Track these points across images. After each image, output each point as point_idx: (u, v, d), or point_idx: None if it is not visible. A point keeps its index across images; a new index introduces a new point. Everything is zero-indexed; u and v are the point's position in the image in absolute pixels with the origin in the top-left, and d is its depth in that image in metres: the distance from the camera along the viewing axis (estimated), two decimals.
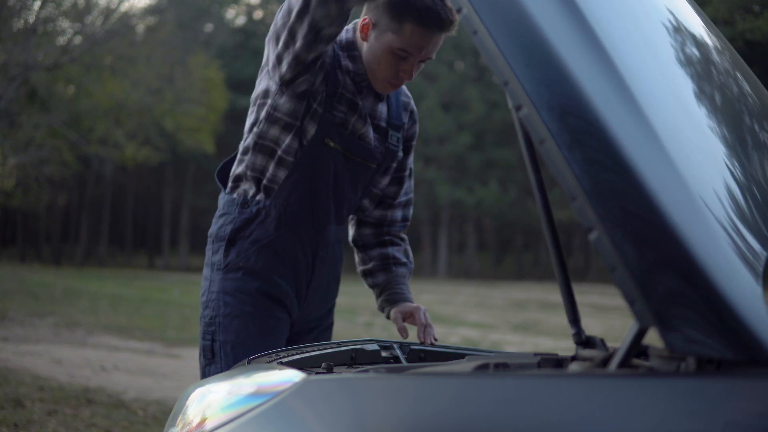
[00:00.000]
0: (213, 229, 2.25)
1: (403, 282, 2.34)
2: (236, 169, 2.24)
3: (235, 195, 2.22)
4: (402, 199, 2.39)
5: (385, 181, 2.33)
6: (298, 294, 2.23)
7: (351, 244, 2.45)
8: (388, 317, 2.30)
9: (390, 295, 2.31)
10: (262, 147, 2.16)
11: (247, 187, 2.20)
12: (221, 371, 2.08)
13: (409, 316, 2.23)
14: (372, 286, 2.36)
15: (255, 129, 2.18)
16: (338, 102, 2.13)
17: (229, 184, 2.25)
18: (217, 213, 2.27)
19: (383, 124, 2.24)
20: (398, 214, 2.39)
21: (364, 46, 2.12)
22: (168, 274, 27.17)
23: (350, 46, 2.15)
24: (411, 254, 2.44)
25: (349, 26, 2.16)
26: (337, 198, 2.23)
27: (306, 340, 2.32)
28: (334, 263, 2.33)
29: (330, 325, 2.40)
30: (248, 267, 2.17)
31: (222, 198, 2.27)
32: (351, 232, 2.42)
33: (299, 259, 2.21)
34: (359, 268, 2.40)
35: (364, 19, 2.09)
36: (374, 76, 2.13)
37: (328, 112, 2.12)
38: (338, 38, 2.13)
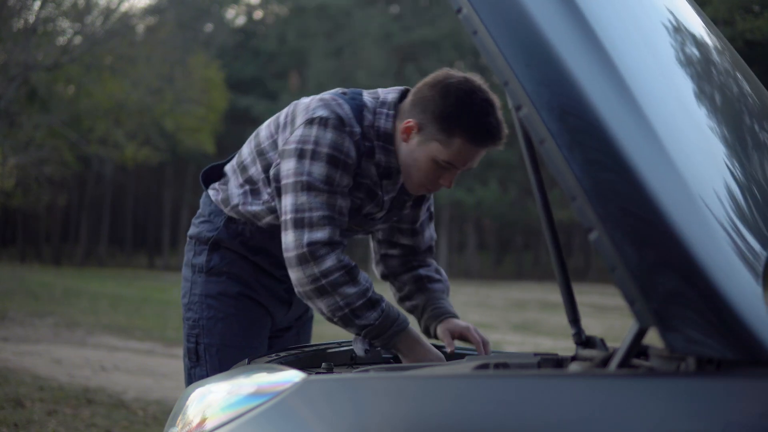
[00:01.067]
0: (194, 231, 2.21)
1: (443, 297, 2.21)
2: (231, 190, 2.14)
3: (220, 197, 2.16)
4: (426, 245, 2.28)
5: (400, 234, 2.25)
6: (281, 301, 2.22)
7: (381, 279, 2.35)
8: (435, 336, 2.15)
9: (433, 311, 2.17)
10: (267, 205, 2.07)
11: (236, 216, 2.14)
12: (207, 374, 2.07)
13: (459, 336, 2.10)
14: (411, 310, 2.24)
15: (260, 182, 2.07)
16: (357, 189, 2.02)
17: (219, 197, 2.16)
18: (200, 216, 2.21)
19: (403, 196, 2.15)
20: (422, 247, 2.28)
21: (403, 146, 1.98)
22: (168, 274, 27.16)
23: (388, 138, 2.00)
24: (443, 272, 2.32)
25: (390, 112, 2.00)
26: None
27: (286, 336, 2.31)
28: None
29: (311, 318, 2.39)
30: (232, 272, 2.15)
31: (206, 202, 2.21)
32: (378, 270, 2.32)
33: (281, 275, 2.18)
34: (396, 298, 2.29)
35: (408, 122, 1.94)
36: (410, 178, 2.00)
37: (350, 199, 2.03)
38: (376, 124, 1.99)
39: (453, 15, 26.02)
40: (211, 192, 2.20)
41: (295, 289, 1.93)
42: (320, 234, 1.87)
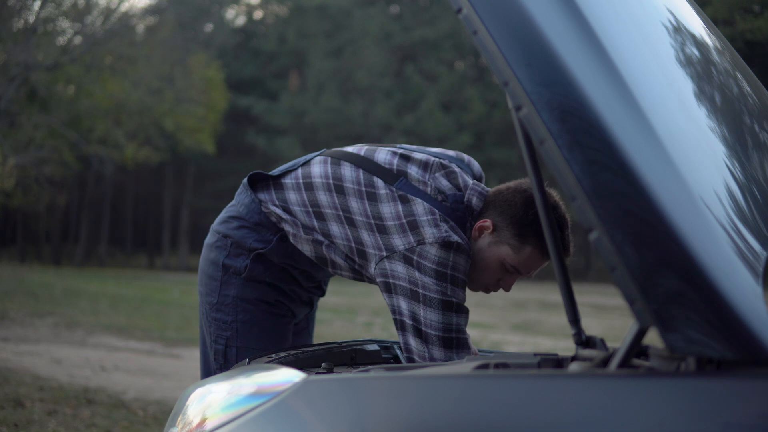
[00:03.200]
0: (232, 233, 2.14)
1: None
2: (301, 226, 2.07)
3: (275, 223, 2.11)
4: None
5: None
6: (305, 303, 2.26)
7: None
8: None
9: None
10: (349, 264, 2.08)
11: (304, 248, 2.10)
12: None
13: None
14: None
15: (340, 246, 2.05)
16: None
17: (287, 217, 2.08)
18: (241, 220, 2.14)
19: None
20: None
21: (472, 242, 2.01)
22: (168, 274, 27.16)
23: (471, 212, 2.03)
24: None
25: (473, 223, 2.03)
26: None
27: (299, 328, 2.33)
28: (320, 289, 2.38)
29: (314, 310, 2.40)
30: (272, 282, 2.14)
31: (252, 209, 2.12)
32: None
33: (309, 286, 2.23)
34: None
35: (485, 221, 1.99)
36: (474, 277, 2.04)
37: None
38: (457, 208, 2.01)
39: (453, 15, 25.99)
40: (274, 208, 2.09)
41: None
42: (466, 353, 1.94)
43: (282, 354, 1.90)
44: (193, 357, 7.93)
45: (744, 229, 1.24)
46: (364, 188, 2.02)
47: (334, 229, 2.04)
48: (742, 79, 1.69)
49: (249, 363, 1.86)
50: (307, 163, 2.13)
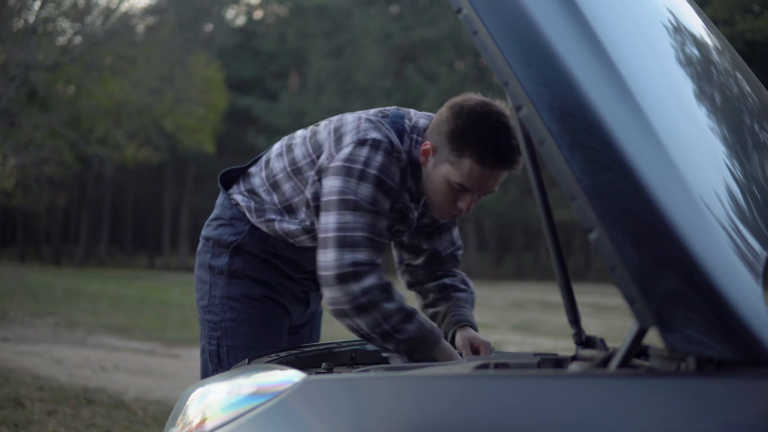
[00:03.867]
0: (212, 234, 2.19)
1: (465, 306, 2.19)
2: (264, 204, 2.11)
3: (252, 205, 2.14)
4: (448, 251, 2.24)
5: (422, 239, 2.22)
6: (299, 301, 2.24)
7: (407, 289, 2.33)
8: (452, 342, 2.13)
9: (453, 317, 2.15)
10: (303, 224, 2.07)
11: (265, 229, 2.13)
12: None
13: (475, 350, 2.08)
14: (433, 317, 2.22)
15: (295, 201, 2.06)
16: (391, 211, 2.01)
17: (250, 205, 2.13)
18: (218, 219, 2.19)
19: (426, 210, 2.13)
20: (442, 251, 2.24)
21: (423, 170, 1.97)
22: (168, 274, 27.16)
23: (416, 167, 1.98)
24: (471, 283, 2.28)
25: (420, 138, 1.98)
26: None
27: (302, 332, 2.33)
28: None
29: (320, 313, 2.40)
30: (254, 275, 2.15)
31: (225, 205, 2.18)
32: (404, 279, 2.30)
33: (300, 278, 2.21)
34: (420, 306, 2.25)
35: (425, 144, 1.93)
36: (431, 203, 1.99)
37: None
38: (410, 151, 1.97)
39: (453, 15, 25.99)
40: (238, 197, 2.15)
41: (330, 308, 1.91)
42: (363, 255, 1.86)
43: (282, 354, 1.90)
44: (193, 357, 7.93)
45: (744, 229, 1.24)
46: (308, 134, 2.06)
47: (287, 188, 2.06)
48: (742, 79, 1.69)
49: (249, 363, 1.86)
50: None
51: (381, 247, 1.90)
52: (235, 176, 2.22)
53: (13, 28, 17.40)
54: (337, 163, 1.90)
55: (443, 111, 1.94)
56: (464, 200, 1.94)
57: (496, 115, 1.87)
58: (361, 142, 1.89)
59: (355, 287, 1.84)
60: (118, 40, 19.09)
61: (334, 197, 1.88)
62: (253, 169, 2.18)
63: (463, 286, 2.24)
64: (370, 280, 1.85)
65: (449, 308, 2.18)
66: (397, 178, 1.94)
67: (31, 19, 17.95)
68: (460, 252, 2.28)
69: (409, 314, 1.88)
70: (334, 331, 4.33)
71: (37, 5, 18.06)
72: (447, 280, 2.23)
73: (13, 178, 16.41)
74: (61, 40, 19.95)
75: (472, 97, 1.93)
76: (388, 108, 2.04)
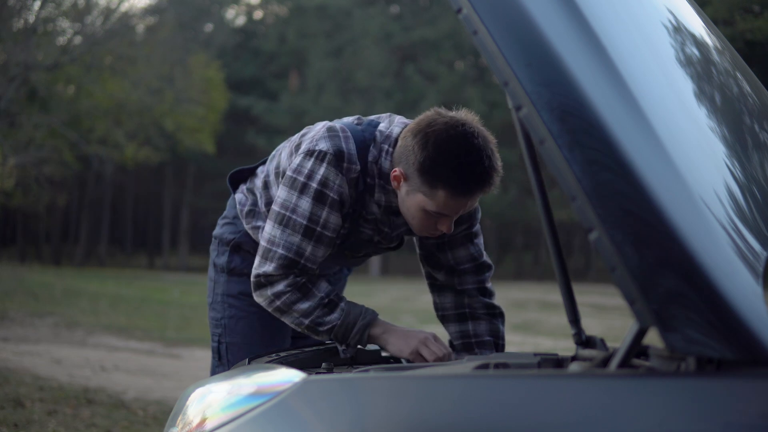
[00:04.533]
0: (217, 232, 2.25)
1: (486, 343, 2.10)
2: (250, 203, 2.15)
3: (245, 209, 2.17)
4: (466, 266, 2.13)
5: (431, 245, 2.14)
6: None
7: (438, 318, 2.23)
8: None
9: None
10: None
11: (259, 218, 2.16)
12: None
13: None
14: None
15: None
16: (365, 222, 2.00)
17: (244, 199, 2.18)
18: (225, 218, 2.25)
19: None
20: (468, 279, 2.14)
21: (398, 192, 1.90)
22: (168, 274, 27.15)
23: (387, 179, 1.92)
24: (501, 329, 2.14)
25: (391, 149, 1.91)
26: (350, 263, 2.25)
27: (307, 337, 2.33)
28: (341, 274, 2.37)
29: None
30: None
31: (231, 204, 2.24)
32: (434, 303, 2.20)
33: None
34: (447, 340, 2.16)
35: (395, 171, 1.86)
36: (411, 225, 1.93)
37: (354, 231, 2.00)
38: (379, 162, 1.91)
39: (453, 15, 25.97)
40: (239, 196, 2.20)
41: None
42: (274, 269, 1.89)
43: (282, 354, 1.90)
44: (193, 357, 7.94)
45: (744, 229, 1.24)
46: (292, 142, 2.06)
47: (274, 191, 2.07)
48: (742, 79, 1.69)
49: (249, 363, 1.86)
50: None
51: (301, 268, 1.89)
52: (244, 176, 2.25)
53: (13, 28, 17.39)
54: (287, 173, 1.92)
55: (408, 137, 1.84)
56: (443, 223, 1.88)
57: (463, 139, 1.77)
58: (308, 153, 1.89)
59: (268, 292, 1.91)
60: (118, 40, 19.08)
61: (275, 208, 1.92)
62: (259, 169, 2.20)
63: (487, 337, 2.11)
64: (279, 286, 1.89)
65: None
66: (345, 191, 1.90)
67: (31, 19, 17.95)
68: (486, 272, 2.15)
69: (330, 305, 1.90)
70: None
71: (37, 5, 18.06)
72: (471, 326, 2.11)
73: (13, 178, 16.40)
74: (61, 40, 19.94)
75: (437, 119, 1.81)
76: (378, 115, 2.02)
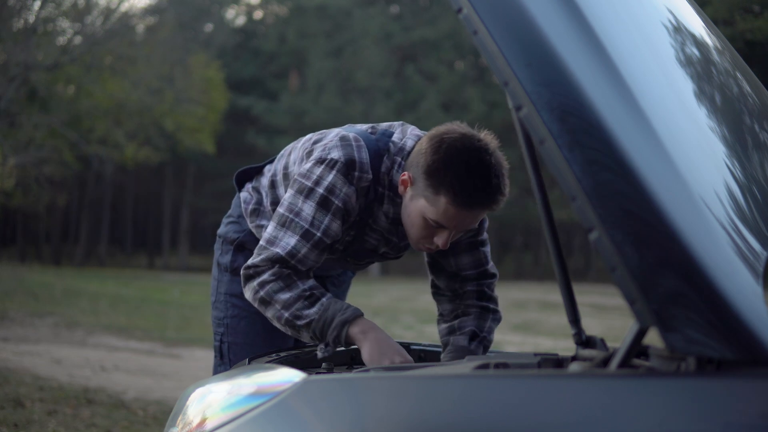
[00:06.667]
0: (222, 231, 2.25)
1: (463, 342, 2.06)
2: (255, 201, 2.15)
3: (250, 207, 2.18)
4: (469, 272, 2.09)
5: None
6: None
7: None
8: None
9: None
10: None
11: (263, 217, 2.16)
12: None
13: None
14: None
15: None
16: (371, 231, 2.00)
17: (249, 198, 2.18)
18: (230, 216, 2.25)
19: None
20: (470, 285, 2.11)
21: (403, 200, 1.89)
22: (168, 274, 27.15)
23: (397, 190, 1.92)
24: (488, 325, 2.10)
25: (403, 162, 1.91)
26: (352, 268, 2.24)
27: None
28: (345, 277, 2.37)
29: None
30: None
31: (236, 203, 2.24)
32: (437, 308, 2.17)
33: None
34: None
35: (404, 175, 1.86)
36: (408, 234, 1.91)
37: (359, 239, 2.01)
38: (391, 173, 1.91)
39: (453, 15, 25.97)
40: (244, 194, 2.20)
41: None
42: (261, 261, 1.88)
43: (282, 354, 1.90)
44: (193, 357, 7.94)
45: (744, 229, 1.24)
46: (307, 138, 2.05)
47: (281, 191, 2.07)
48: (742, 79, 1.69)
49: (249, 363, 1.86)
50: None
51: (284, 262, 1.87)
52: (250, 175, 2.25)
53: (13, 28, 17.39)
54: (296, 177, 1.92)
55: (424, 141, 1.85)
56: (441, 237, 1.85)
57: (476, 152, 1.76)
58: (319, 161, 1.88)
59: (254, 282, 1.88)
60: (118, 40, 19.08)
61: (280, 210, 1.91)
62: (266, 168, 2.21)
63: (469, 328, 2.07)
64: (264, 275, 1.87)
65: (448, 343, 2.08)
66: (352, 200, 1.90)
67: (31, 19, 17.95)
68: (489, 278, 2.11)
69: (311, 298, 1.85)
70: None
71: (37, 5, 18.06)
72: (458, 321, 2.09)
73: (13, 178, 16.40)
74: (61, 40, 19.94)
75: (456, 129, 1.82)
76: (390, 123, 2.01)
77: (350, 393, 1.30)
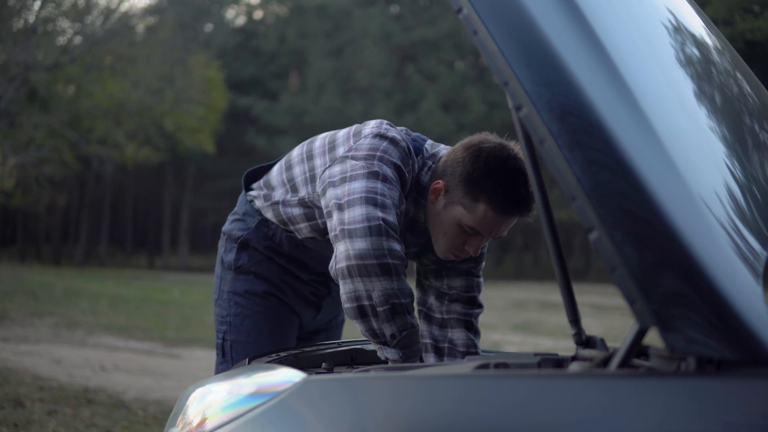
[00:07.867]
0: (227, 228, 2.25)
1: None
2: (274, 189, 2.13)
3: (256, 207, 2.18)
4: (457, 293, 2.10)
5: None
6: (308, 303, 2.24)
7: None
8: None
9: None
10: (303, 209, 2.06)
11: (270, 216, 2.15)
12: None
13: None
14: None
15: (299, 182, 2.06)
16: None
17: (256, 197, 2.18)
18: (235, 214, 2.25)
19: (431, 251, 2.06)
20: (455, 308, 2.11)
21: (430, 207, 1.93)
22: (168, 274, 27.15)
23: (422, 192, 1.95)
24: (468, 338, 2.08)
25: (433, 166, 1.95)
26: None
27: (317, 339, 2.33)
28: None
29: (341, 323, 2.41)
30: (259, 272, 2.18)
31: (242, 201, 2.24)
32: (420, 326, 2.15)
33: (309, 279, 2.22)
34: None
35: (437, 183, 1.90)
36: (436, 241, 1.94)
37: None
38: (419, 174, 1.94)
39: (453, 15, 25.97)
40: (253, 191, 2.21)
41: (346, 264, 1.77)
42: (392, 218, 1.81)
43: (282, 354, 1.90)
44: (193, 357, 7.93)
45: (744, 229, 1.24)
46: (329, 133, 2.07)
47: (297, 170, 2.07)
48: (742, 79, 1.69)
49: (249, 362, 1.86)
50: None
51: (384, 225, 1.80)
52: (259, 175, 2.27)
53: (13, 28, 17.39)
54: (359, 152, 1.88)
55: (459, 151, 1.90)
56: (473, 244, 1.90)
57: (513, 161, 1.84)
58: (381, 136, 1.90)
59: (385, 243, 1.76)
60: (118, 40, 19.07)
61: (359, 171, 1.84)
62: (274, 166, 2.22)
63: (442, 343, 2.08)
64: (397, 245, 1.79)
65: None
66: (408, 178, 1.92)
67: (31, 19, 17.94)
68: (476, 308, 2.11)
69: (411, 307, 1.83)
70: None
71: (37, 5, 18.06)
72: (438, 330, 2.09)
73: (13, 178, 16.40)
74: (61, 40, 19.94)
75: (490, 139, 1.90)
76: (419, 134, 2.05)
77: (350, 393, 1.30)
